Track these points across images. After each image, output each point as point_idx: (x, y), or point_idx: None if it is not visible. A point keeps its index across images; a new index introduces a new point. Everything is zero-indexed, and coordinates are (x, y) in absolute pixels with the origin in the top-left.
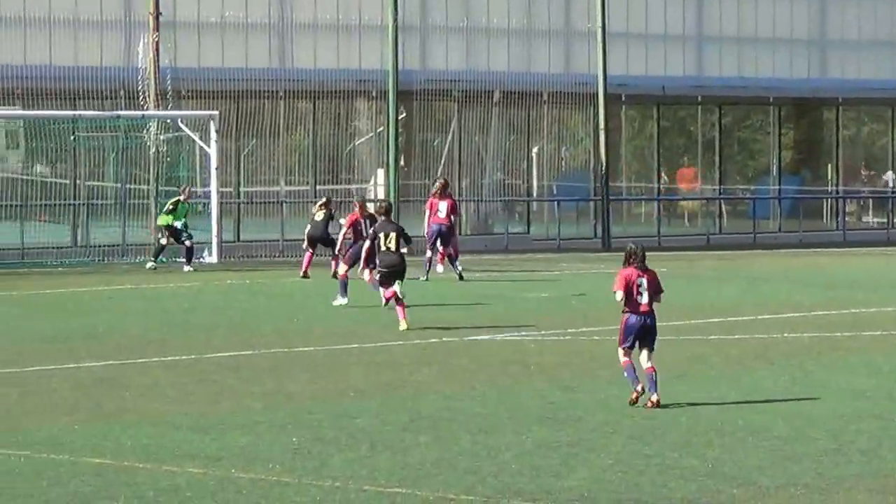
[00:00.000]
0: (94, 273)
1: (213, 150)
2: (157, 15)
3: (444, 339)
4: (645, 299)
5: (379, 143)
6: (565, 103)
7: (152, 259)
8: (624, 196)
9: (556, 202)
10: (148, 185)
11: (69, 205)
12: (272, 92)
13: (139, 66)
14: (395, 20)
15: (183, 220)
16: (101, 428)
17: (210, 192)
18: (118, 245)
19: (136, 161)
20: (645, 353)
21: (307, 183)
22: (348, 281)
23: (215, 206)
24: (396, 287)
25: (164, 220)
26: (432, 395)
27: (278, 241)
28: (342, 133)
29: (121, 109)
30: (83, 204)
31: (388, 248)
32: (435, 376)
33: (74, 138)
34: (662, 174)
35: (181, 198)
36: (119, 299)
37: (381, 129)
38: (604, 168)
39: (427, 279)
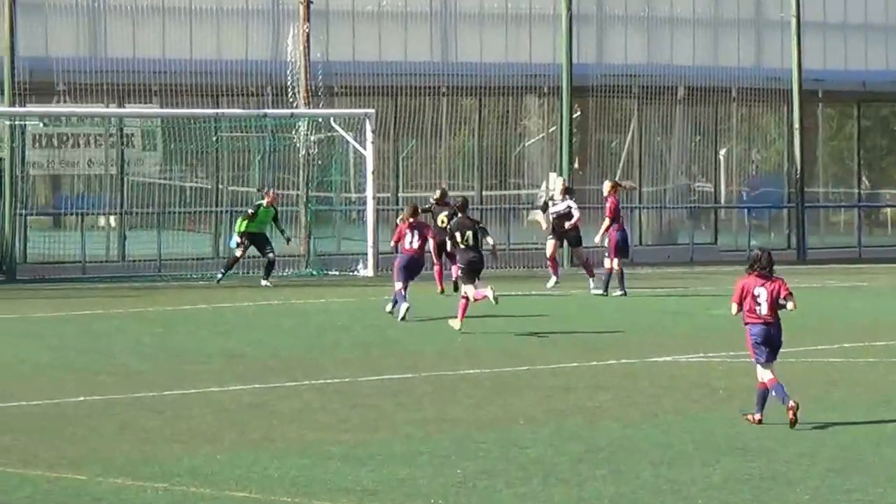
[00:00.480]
0: (237, 287)
1: (368, 152)
2: (308, 4)
3: (622, 360)
4: (764, 310)
5: (551, 144)
6: (756, 100)
7: (221, 271)
8: (821, 203)
9: (746, 209)
10: (297, 190)
11: (210, 212)
12: (434, 88)
13: (288, 59)
14: (570, 9)
15: (266, 227)
16: (246, 458)
17: (366, 198)
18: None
19: (284, 164)
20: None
21: (472, 188)
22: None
23: (371, 213)
24: (489, 292)
25: (240, 226)
26: (610, 422)
27: None
28: (510, 133)
29: (268, 108)
30: (226, 211)
31: (466, 246)
32: (612, 402)
33: (217, 139)
34: (863, 178)
35: (264, 202)
36: (265, 315)
37: (553, 128)
38: (799, 172)
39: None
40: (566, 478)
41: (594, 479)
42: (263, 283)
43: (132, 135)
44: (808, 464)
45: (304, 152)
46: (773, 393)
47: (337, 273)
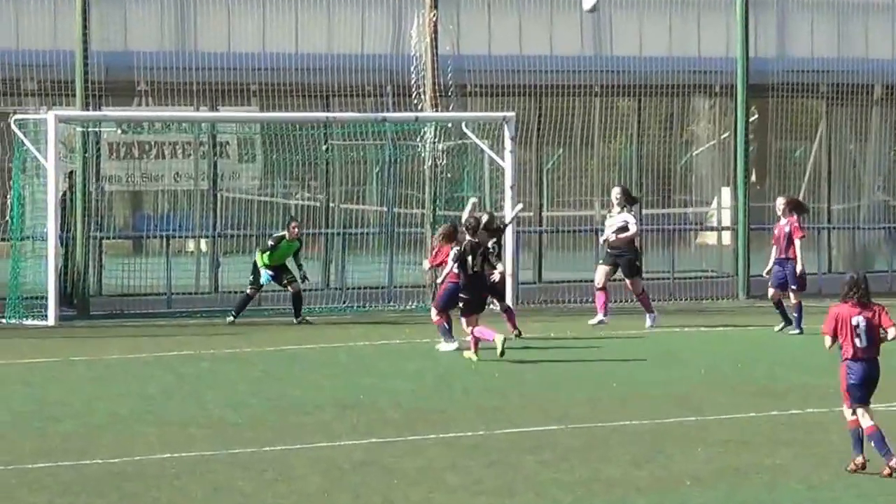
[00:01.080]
0: (349, 324)
1: (507, 163)
2: None
3: (807, 409)
4: (864, 343)
5: (723, 152)
6: None
7: (233, 313)
8: None
9: None
10: (422, 209)
11: (319, 234)
12: (584, 87)
13: (411, 53)
14: None
15: (284, 261)
16: None
17: (503, 217)
18: (382, 287)
19: (406, 178)
20: (861, 409)
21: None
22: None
23: (510, 236)
24: (497, 338)
25: (262, 259)
26: (794, 483)
27: (590, 282)
28: (675, 140)
29: (387, 111)
30: (338, 234)
31: (474, 272)
32: (796, 459)
33: (327, 148)
34: None
35: (286, 234)
36: (384, 357)
37: (727, 134)
38: None
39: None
40: None
41: None
42: (296, 321)
43: (227, 143)
44: None
45: (430, 163)
46: (873, 444)
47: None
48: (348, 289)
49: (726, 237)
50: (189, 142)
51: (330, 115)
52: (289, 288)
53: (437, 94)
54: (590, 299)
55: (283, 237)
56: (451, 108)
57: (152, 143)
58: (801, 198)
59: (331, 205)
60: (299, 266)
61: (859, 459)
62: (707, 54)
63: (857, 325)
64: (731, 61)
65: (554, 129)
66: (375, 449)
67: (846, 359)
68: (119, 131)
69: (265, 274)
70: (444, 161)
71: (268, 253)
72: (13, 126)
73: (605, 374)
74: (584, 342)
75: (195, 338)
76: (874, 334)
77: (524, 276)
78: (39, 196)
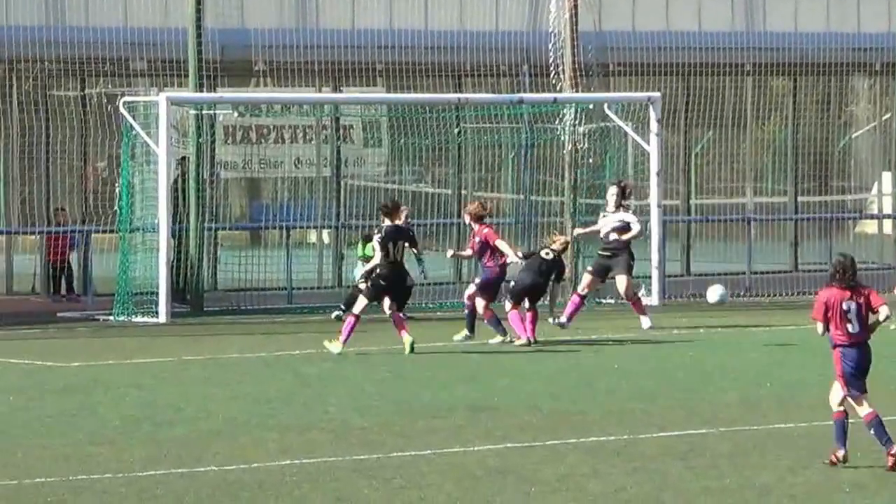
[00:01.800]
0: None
1: (653, 147)
2: None
3: None
4: (856, 328)
5: (884, 135)
6: None
7: (341, 307)
8: None
9: None
10: (561, 196)
11: (451, 224)
12: (736, 65)
13: (550, 30)
14: None
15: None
16: None
17: (649, 206)
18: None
19: (544, 163)
20: (861, 397)
21: (784, 192)
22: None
23: (656, 224)
24: (405, 337)
25: (362, 250)
26: None
27: (743, 274)
28: (832, 122)
29: (524, 91)
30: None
31: (394, 260)
32: None
33: (459, 132)
34: None
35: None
36: (520, 358)
37: (888, 115)
38: None
39: None
40: None
41: None
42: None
43: (351, 127)
44: None
45: (570, 147)
46: (872, 431)
47: (612, 301)
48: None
49: (888, 226)
50: (310, 125)
51: (462, 96)
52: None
53: (577, 73)
54: (742, 293)
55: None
56: (592, 88)
57: (271, 127)
58: None
59: (462, 193)
60: (419, 260)
61: (841, 453)
62: (867, 30)
63: (849, 310)
64: (892, 37)
65: (703, 110)
66: (511, 455)
67: (838, 345)
68: (235, 114)
69: (357, 270)
70: (585, 145)
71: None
72: (122, 109)
73: (758, 374)
74: (735, 338)
75: (317, 335)
76: (865, 318)
77: (671, 268)
78: (150, 184)
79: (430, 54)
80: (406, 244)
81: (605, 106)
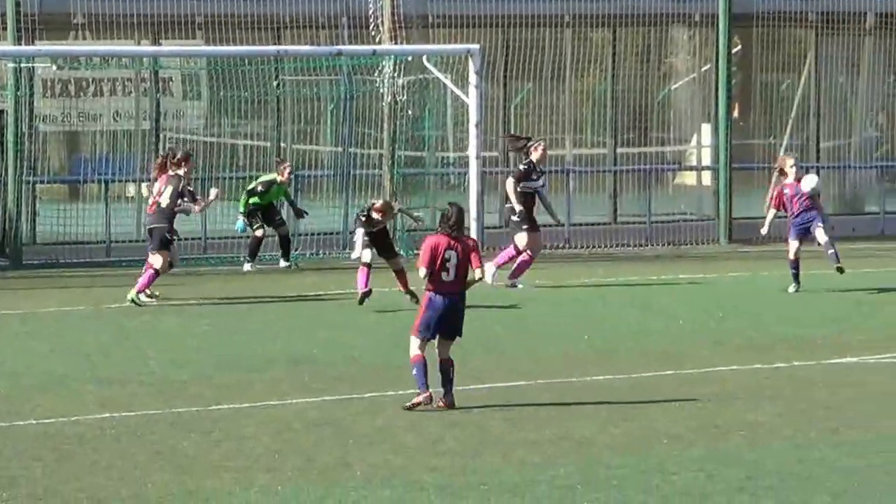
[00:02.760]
0: (306, 271)
1: (472, 100)
2: None
3: (793, 362)
4: (450, 277)
5: (704, 87)
6: None
7: (247, 259)
8: None
9: None
10: (380, 149)
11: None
12: (555, 17)
13: None
14: None
15: (271, 201)
16: (315, 491)
17: (468, 158)
18: (337, 233)
19: (363, 116)
20: (445, 342)
21: (603, 144)
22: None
23: (475, 178)
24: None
25: (245, 203)
26: (778, 441)
27: (562, 227)
28: (652, 74)
29: (343, 43)
30: (292, 176)
31: None
32: (781, 416)
33: (278, 84)
34: None
35: (278, 178)
36: (340, 310)
37: (707, 67)
38: None
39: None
40: None
41: None
42: (283, 263)
43: (170, 79)
44: None
45: (389, 100)
46: (414, 372)
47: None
48: (304, 234)
49: (706, 177)
50: (129, 78)
51: (281, 48)
52: (280, 230)
53: (397, 25)
54: (561, 245)
55: (273, 181)
56: (411, 40)
57: (90, 80)
58: (787, 134)
59: (282, 145)
60: (292, 203)
61: (424, 395)
62: None
63: (449, 259)
64: None
65: (522, 62)
66: (329, 407)
67: (430, 290)
68: (54, 67)
69: (240, 223)
70: (404, 97)
71: (255, 197)
72: None
73: (577, 327)
74: (553, 293)
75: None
76: (463, 271)
77: (490, 219)
78: None
79: (249, 6)
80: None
81: (424, 58)
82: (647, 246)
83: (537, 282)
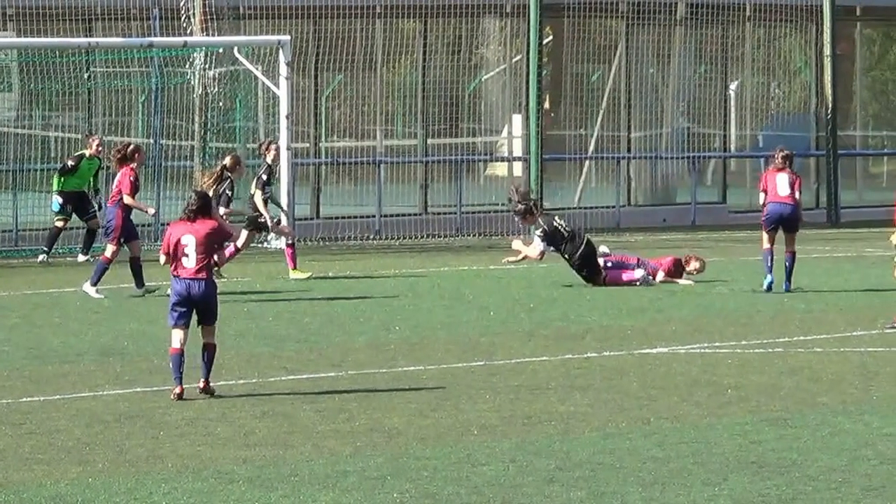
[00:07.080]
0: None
1: (282, 91)
2: None
3: (604, 353)
4: (192, 263)
5: (515, 77)
6: (777, 20)
7: (44, 248)
8: (858, 150)
9: (762, 158)
10: (192, 140)
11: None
12: (366, 8)
13: None
14: None
15: (86, 184)
16: (126, 482)
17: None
18: (151, 224)
19: (174, 107)
20: (204, 328)
21: (414, 135)
22: None
23: (286, 169)
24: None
25: (58, 183)
26: (589, 432)
27: (373, 217)
28: (463, 65)
29: (154, 35)
30: (100, 167)
31: None
32: (592, 406)
33: (89, 76)
34: None
35: (87, 152)
36: (151, 301)
37: (518, 57)
38: (830, 111)
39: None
40: (534, 501)
41: (569, 503)
42: (81, 257)
43: None
44: (839, 481)
45: (200, 91)
46: (171, 364)
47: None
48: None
49: (517, 168)
50: None
51: (92, 40)
52: (89, 222)
53: (208, 16)
54: (370, 237)
55: (82, 156)
56: (222, 31)
57: None
58: (598, 125)
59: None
60: (96, 191)
61: (179, 389)
62: None
63: (188, 245)
64: None
65: (333, 53)
66: (140, 399)
67: (175, 275)
68: None
69: (55, 202)
70: (216, 89)
71: (66, 176)
72: None
73: (387, 317)
74: (363, 284)
75: None
76: (205, 256)
77: (300, 211)
78: None
79: None
80: None
81: (235, 49)
82: (457, 237)
83: (349, 272)
